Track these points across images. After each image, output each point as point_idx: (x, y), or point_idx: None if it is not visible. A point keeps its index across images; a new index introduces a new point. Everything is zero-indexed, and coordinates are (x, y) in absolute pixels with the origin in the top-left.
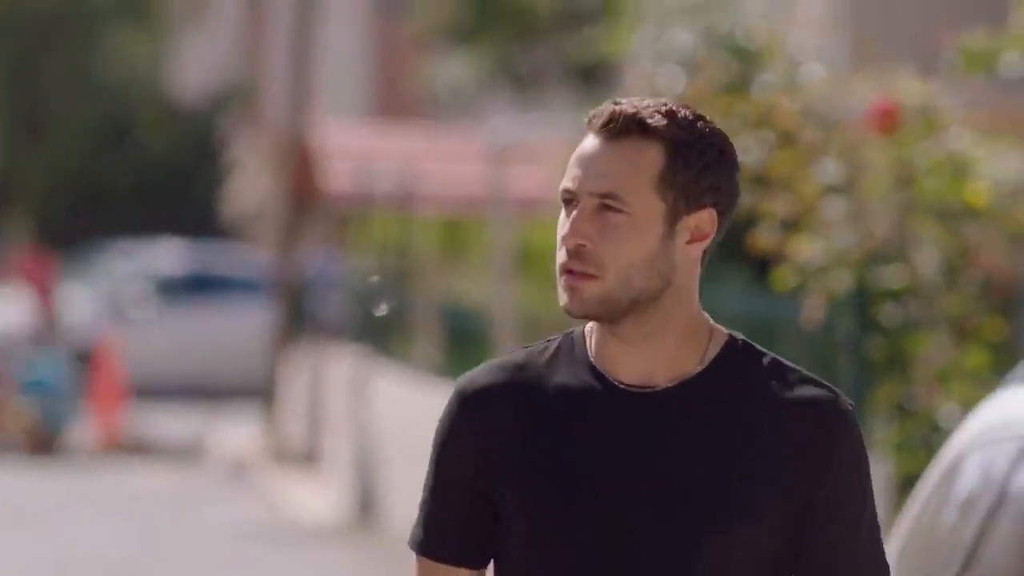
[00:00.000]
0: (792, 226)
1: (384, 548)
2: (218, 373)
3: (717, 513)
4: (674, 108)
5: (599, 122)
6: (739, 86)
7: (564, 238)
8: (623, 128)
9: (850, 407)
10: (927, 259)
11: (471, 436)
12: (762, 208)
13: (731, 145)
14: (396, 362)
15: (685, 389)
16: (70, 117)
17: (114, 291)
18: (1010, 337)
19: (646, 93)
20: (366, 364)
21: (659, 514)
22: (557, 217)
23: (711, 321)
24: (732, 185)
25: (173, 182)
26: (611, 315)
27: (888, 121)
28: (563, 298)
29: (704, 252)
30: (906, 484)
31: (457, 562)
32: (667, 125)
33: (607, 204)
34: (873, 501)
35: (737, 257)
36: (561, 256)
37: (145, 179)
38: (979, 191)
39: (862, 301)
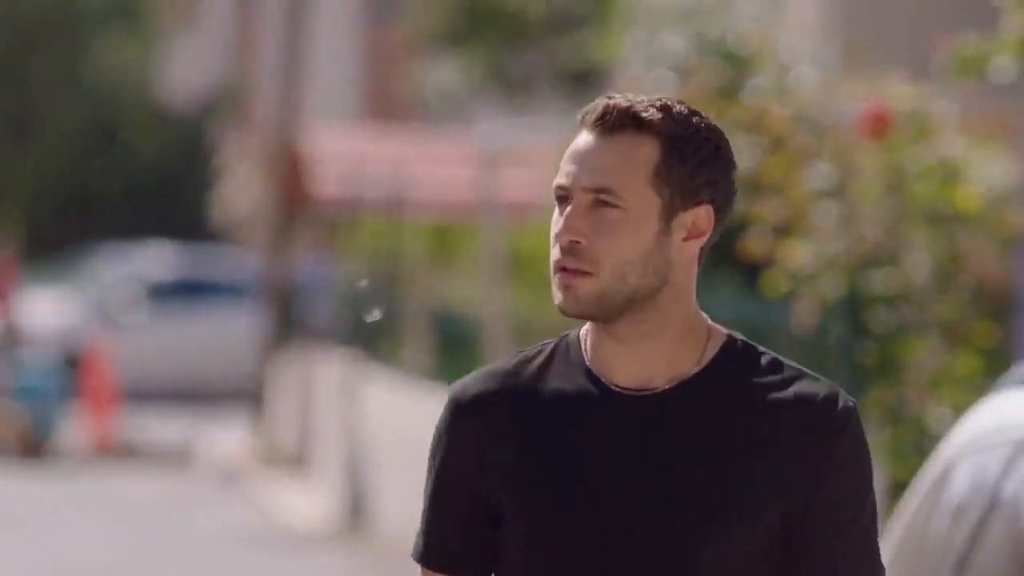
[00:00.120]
0: (783, 231)
1: (374, 553)
2: (208, 377)
3: (716, 515)
4: (669, 103)
5: (592, 117)
6: (730, 91)
7: (558, 235)
8: (617, 122)
9: (852, 403)
10: (918, 264)
11: (467, 444)
12: (753, 213)
13: (727, 142)
14: (386, 367)
15: (683, 390)
16: (59, 120)
17: (104, 295)
18: (1002, 342)
19: None
20: (356, 369)
21: (658, 517)
22: (548, 222)
23: (709, 321)
24: (728, 182)
25: (162, 186)
26: (606, 314)
27: (879, 126)
28: (558, 296)
29: (701, 250)
30: (897, 489)
31: (459, 571)
32: (662, 119)
33: (602, 199)
34: (874, 500)
35: (728, 262)
36: (555, 254)
37: (134, 183)
38: (970, 196)
39: (853, 306)
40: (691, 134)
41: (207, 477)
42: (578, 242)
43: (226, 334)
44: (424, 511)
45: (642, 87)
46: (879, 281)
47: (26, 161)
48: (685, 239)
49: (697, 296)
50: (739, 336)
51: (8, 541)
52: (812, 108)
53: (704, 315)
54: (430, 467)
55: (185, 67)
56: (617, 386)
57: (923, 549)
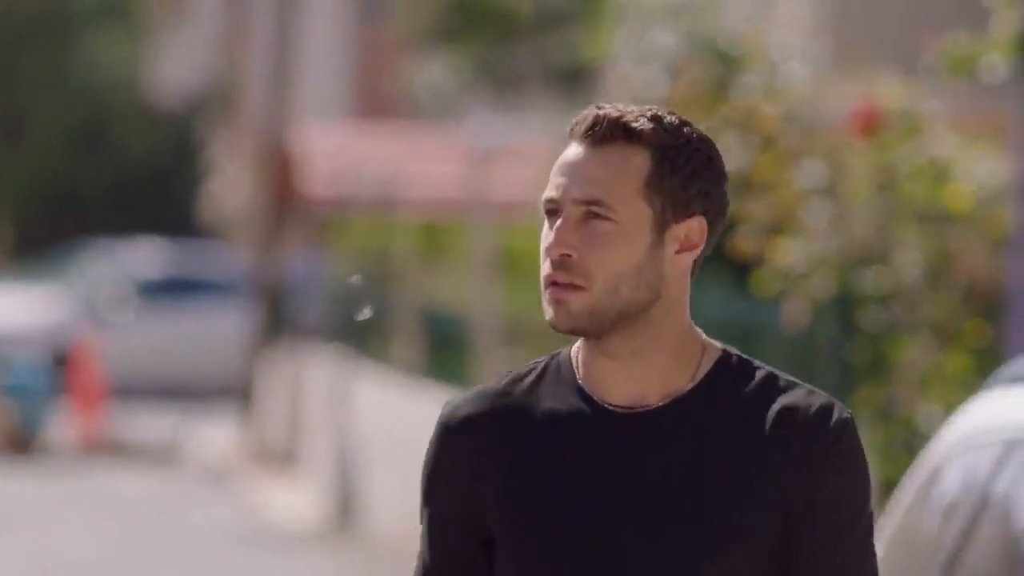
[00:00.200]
0: (774, 230)
1: (365, 551)
2: (197, 375)
3: (715, 533)
4: (659, 113)
5: (582, 128)
6: (721, 89)
7: (548, 249)
8: (607, 133)
9: (848, 415)
10: (909, 263)
11: (458, 467)
12: (744, 212)
13: (718, 152)
14: (376, 365)
15: (677, 407)
16: (48, 118)
17: (92, 293)
18: (992, 341)
19: (627, 95)
20: (346, 367)
21: (654, 536)
22: (538, 219)
23: (703, 335)
24: (721, 193)
25: (152, 183)
26: (598, 329)
27: (870, 124)
28: (549, 312)
29: (694, 263)
30: (888, 488)
31: None
32: (653, 130)
33: (593, 211)
34: (871, 512)
35: (718, 261)
36: (546, 268)
37: (123, 180)
38: (961, 195)
39: (844, 305)
40: (682, 144)
41: (196, 475)
42: (569, 255)
43: (215, 332)
44: (421, 536)
45: (632, 84)
46: (870, 280)
47: (15, 159)
48: (678, 251)
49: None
50: (734, 351)
51: (0, 540)
52: (803, 106)
53: (698, 329)
54: (422, 491)
55: (175, 65)
56: (610, 404)
57: (914, 547)
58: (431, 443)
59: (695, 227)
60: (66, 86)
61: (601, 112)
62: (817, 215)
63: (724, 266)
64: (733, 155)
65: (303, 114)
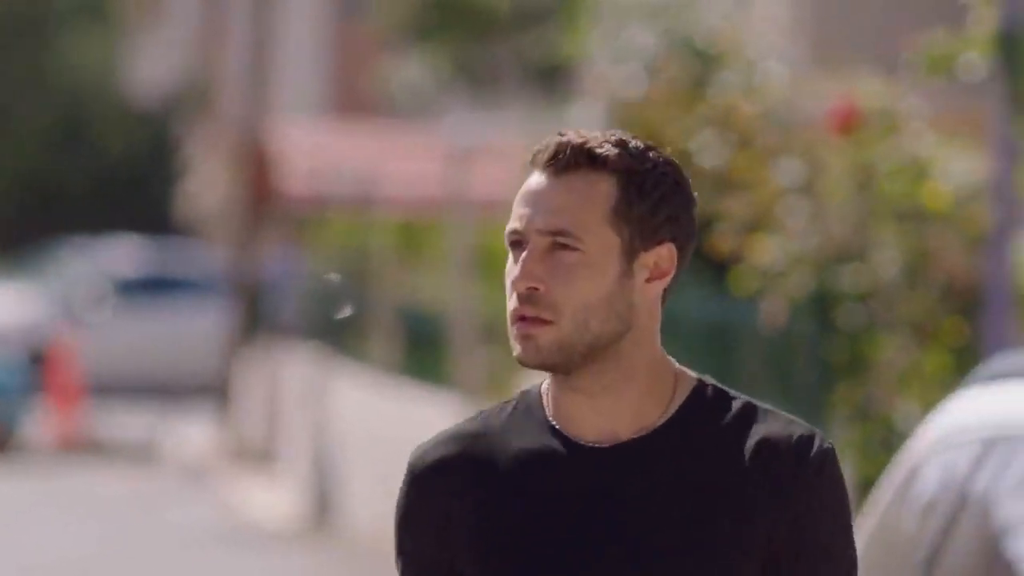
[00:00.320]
0: (752, 228)
1: (342, 549)
2: (174, 373)
3: (699, 570)
4: (624, 138)
5: (544, 157)
6: (699, 87)
7: (514, 282)
8: (571, 161)
9: (828, 445)
10: (887, 261)
11: (428, 513)
12: (722, 210)
13: (685, 176)
14: (354, 363)
15: (651, 441)
16: (26, 117)
17: (69, 291)
18: (970, 340)
19: (605, 94)
20: (323, 365)
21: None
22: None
23: (676, 365)
24: (690, 218)
25: (129, 181)
26: (568, 364)
27: (848, 122)
28: (517, 348)
29: (664, 291)
30: (865, 487)
31: None
32: (618, 155)
33: (559, 242)
34: (854, 545)
35: (695, 260)
36: (512, 303)
37: (100, 178)
38: (939, 193)
39: (822, 304)
40: (649, 169)
41: (174, 473)
42: (536, 289)
43: (193, 330)
44: None
45: (610, 83)
46: (848, 278)
47: None
48: (648, 280)
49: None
50: (710, 380)
51: None
52: (781, 105)
53: (671, 359)
54: (396, 539)
55: (151, 63)
56: (581, 440)
57: (893, 546)
58: (401, 489)
59: (665, 254)
60: (43, 85)
61: (564, 139)
62: (795, 213)
63: (702, 265)
64: (711, 153)
65: (280, 112)
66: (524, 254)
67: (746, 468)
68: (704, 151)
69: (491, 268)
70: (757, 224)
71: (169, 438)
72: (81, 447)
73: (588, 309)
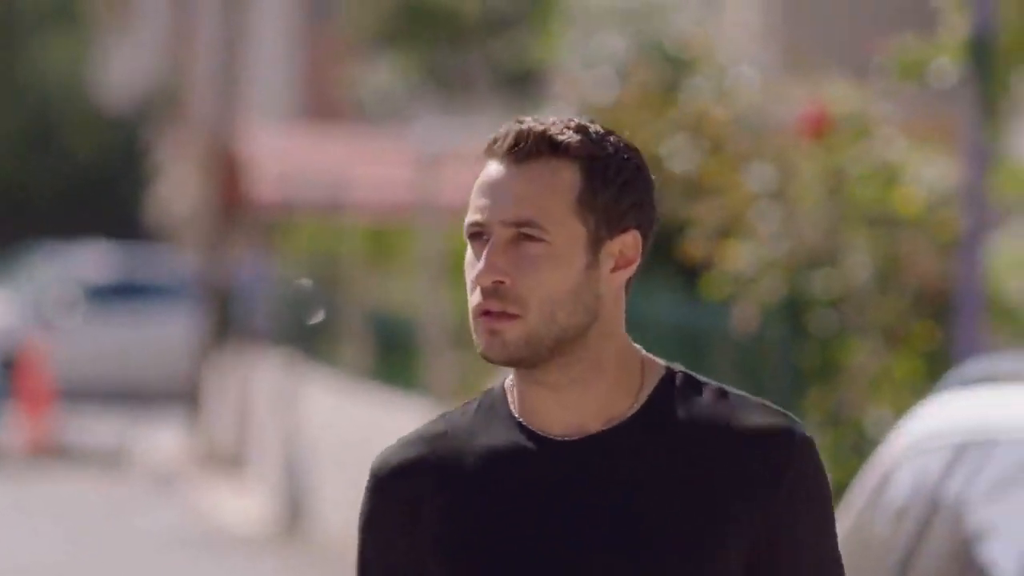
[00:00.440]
0: (723, 233)
1: (313, 555)
2: (145, 379)
3: (680, 562)
4: (584, 123)
5: (505, 145)
6: (670, 92)
7: (478, 277)
8: (533, 149)
9: (805, 432)
10: (859, 267)
11: (391, 520)
12: (693, 215)
13: (645, 161)
14: (324, 368)
15: (622, 432)
16: None
17: (40, 296)
18: (942, 345)
19: (576, 99)
20: (294, 370)
21: (614, 569)
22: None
23: (643, 352)
24: (652, 204)
25: (99, 186)
26: (535, 358)
27: (819, 127)
28: (482, 343)
29: (629, 279)
30: (837, 492)
31: None
32: (580, 142)
33: (524, 233)
34: (835, 533)
35: (667, 265)
36: (475, 298)
37: (71, 183)
38: (910, 198)
39: (794, 309)
40: (611, 155)
41: (144, 479)
42: (502, 282)
43: (163, 335)
44: None
45: (581, 88)
46: (819, 283)
47: None
48: (613, 269)
49: (633, 305)
50: (678, 367)
51: None
52: (752, 110)
53: (638, 347)
54: (359, 544)
55: (121, 67)
56: (549, 434)
57: (866, 551)
58: (364, 494)
59: (630, 242)
60: (13, 89)
61: (524, 127)
62: (766, 219)
63: (673, 270)
64: (682, 159)
65: (250, 117)
66: (488, 247)
67: (723, 459)
68: (675, 156)
69: (461, 273)
70: (728, 229)
71: (140, 443)
72: (51, 452)
73: (555, 302)
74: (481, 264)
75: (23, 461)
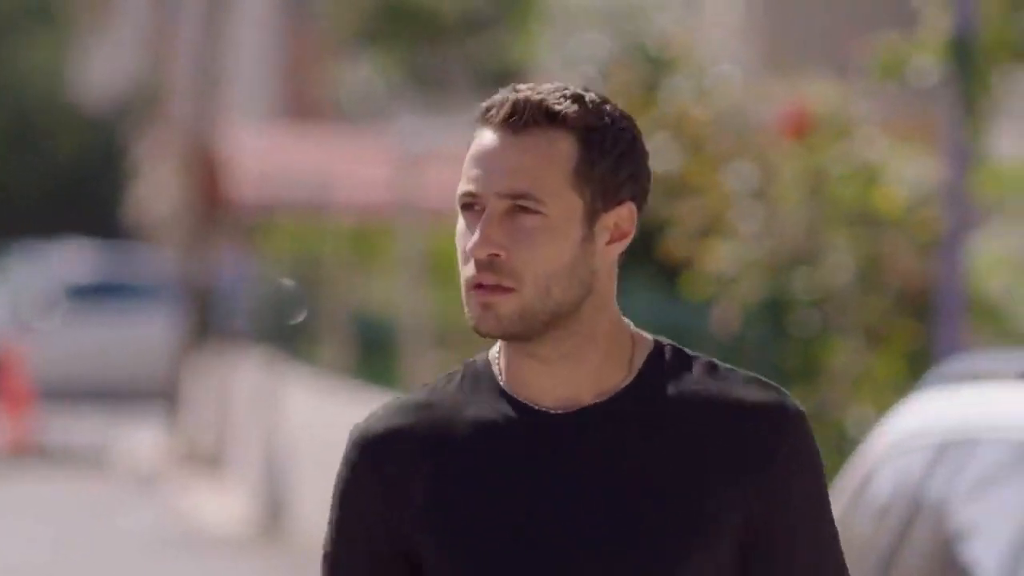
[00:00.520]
0: (704, 233)
1: (292, 555)
2: (125, 379)
3: (677, 537)
4: (579, 92)
5: (501, 115)
6: (650, 92)
7: (473, 248)
8: (530, 119)
9: (800, 409)
10: (840, 266)
11: (375, 488)
12: (674, 215)
13: (639, 130)
14: (305, 368)
15: (613, 404)
16: None
17: (19, 295)
18: (924, 344)
19: None
20: (274, 370)
21: (606, 547)
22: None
23: (632, 327)
24: (647, 175)
25: (78, 186)
26: (529, 332)
27: (800, 127)
28: (474, 317)
29: (622, 253)
30: None
31: None
32: (577, 112)
33: (520, 205)
34: (830, 506)
35: (647, 264)
36: (469, 270)
37: (50, 183)
38: (891, 198)
39: (775, 309)
40: (608, 125)
41: (124, 479)
42: (497, 255)
43: (143, 335)
44: (328, 562)
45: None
46: (800, 283)
47: None
48: (608, 243)
49: (616, 300)
50: (666, 341)
51: None
52: (733, 109)
53: (627, 321)
54: (332, 518)
55: (101, 66)
56: (540, 406)
57: (848, 550)
58: (341, 465)
59: (625, 215)
60: None
61: (520, 96)
62: (747, 218)
63: (653, 270)
64: (663, 158)
65: (230, 116)
66: (483, 218)
67: (716, 433)
68: (656, 156)
69: (442, 272)
70: (709, 229)
71: (119, 443)
72: (31, 453)
73: (550, 276)
74: (476, 236)
75: (3, 461)
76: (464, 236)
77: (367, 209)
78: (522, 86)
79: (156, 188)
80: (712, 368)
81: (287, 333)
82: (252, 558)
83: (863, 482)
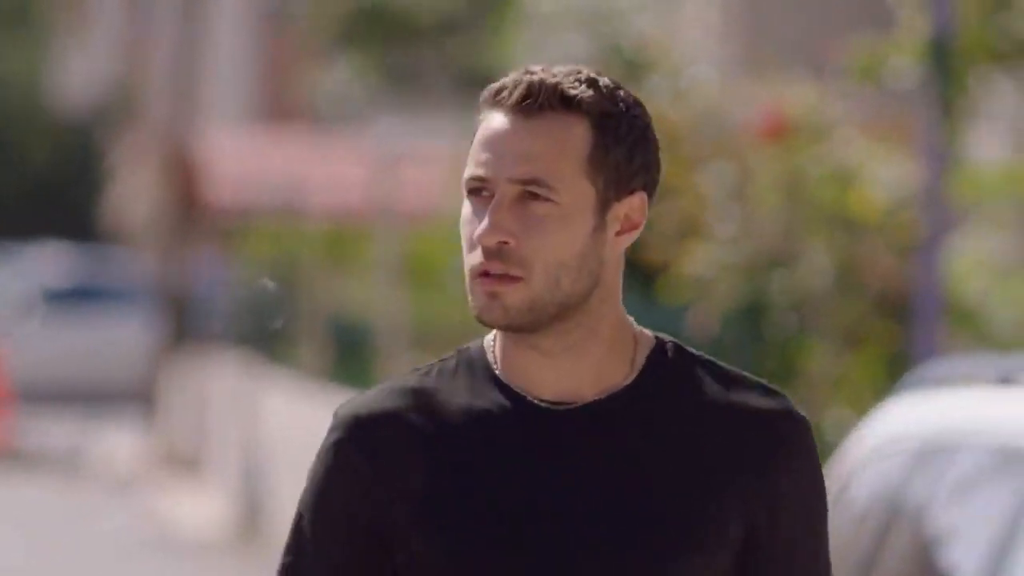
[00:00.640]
0: (681, 236)
1: (270, 558)
2: (102, 382)
3: (677, 537)
4: (593, 76)
5: (515, 97)
6: None
7: (482, 235)
8: (544, 103)
9: (805, 418)
10: (818, 269)
11: (365, 470)
12: (651, 217)
13: (650, 118)
14: (282, 371)
15: (615, 401)
16: None
17: None
18: (901, 347)
19: None
20: (252, 373)
21: (609, 546)
22: (443, 226)
23: (635, 324)
24: (658, 164)
25: (54, 189)
26: (536, 324)
27: (778, 129)
28: (479, 306)
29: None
30: None
31: None
32: (592, 97)
33: (531, 192)
34: (827, 517)
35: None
36: (475, 257)
37: (26, 186)
38: (869, 201)
39: (753, 311)
40: (622, 111)
41: (102, 482)
42: (507, 243)
43: (120, 338)
44: (287, 565)
45: None
46: (778, 286)
47: None
48: (618, 233)
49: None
50: (668, 338)
51: None
52: (710, 111)
53: (629, 317)
54: (308, 504)
55: (77, 70)
56: (540, 400)
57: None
58: (325, 447)
59: (636, 205)
60: None
61: (535, 79)
62: (724, 220)
63: (629, 272)
64: None
65: (207, 120)
66: (493, 204)
67: (720, 435)
68: None
69: (419, 275)
70: (687, 231)
71: (97, 447)
72: (8, 455)
73: (560, 266)
74: (485, 222)
75: None
76: (470, 222)
77: (344, 211)
78: (535, 67)
79: (133, 192)
80: (715, 369)
81: (264, 335)
82: (230, 561)
83: (842, 486)
